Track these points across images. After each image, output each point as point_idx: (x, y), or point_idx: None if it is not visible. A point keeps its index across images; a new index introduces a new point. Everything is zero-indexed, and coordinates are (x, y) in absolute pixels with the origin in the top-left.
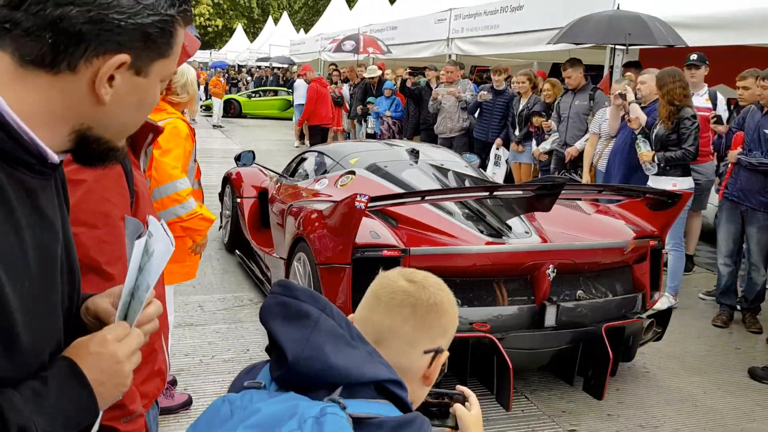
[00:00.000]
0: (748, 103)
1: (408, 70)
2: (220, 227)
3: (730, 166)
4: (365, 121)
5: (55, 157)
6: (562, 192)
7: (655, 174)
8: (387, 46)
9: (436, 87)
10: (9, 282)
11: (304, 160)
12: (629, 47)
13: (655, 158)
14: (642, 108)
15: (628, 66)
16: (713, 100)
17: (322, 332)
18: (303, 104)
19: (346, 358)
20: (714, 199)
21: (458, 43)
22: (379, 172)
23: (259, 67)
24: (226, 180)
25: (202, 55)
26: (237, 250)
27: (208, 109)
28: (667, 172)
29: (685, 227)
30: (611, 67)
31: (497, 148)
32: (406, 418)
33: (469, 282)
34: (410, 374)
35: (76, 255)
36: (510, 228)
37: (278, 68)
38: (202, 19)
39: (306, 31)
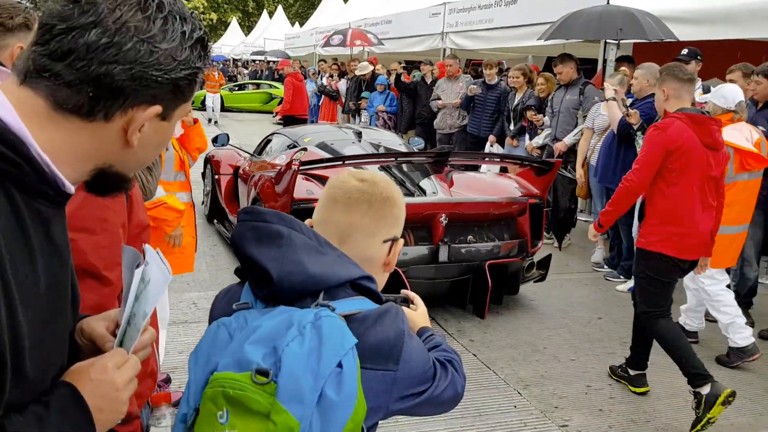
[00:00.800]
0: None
1: (403, 65)
2: (203, 202)
3: None
4: (359, 115)
5: (72, 189)
6: (452, 158)
7: None
8: (378, 38)
9: (432, 81)
10: (22, 309)
11: (269, 141)
12: (622, 42)
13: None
14: (634, 102)
15: (620, 61)
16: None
17: (296, 247)
18: None
19: (321, 266)
20: None
21: (453, 38)
22: (326, 148)
23: (253, 60)
24: (207, 161)
25: None
26: (215, 220)
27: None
28: None
29: None
30: (604, 62)
31: (491, 145)
32: (384, 309)
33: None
34: (373, 263)
35: (75, 276)
36: (422, 189)
37: (273, 62)
38: (196, 12)
39: (301, 24)
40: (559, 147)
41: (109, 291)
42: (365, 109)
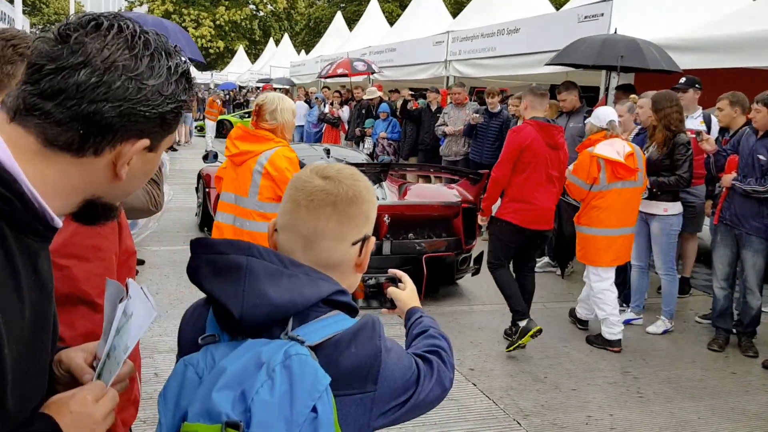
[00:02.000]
0: (723, 124)
1: (411, 92)
2: (196, 213)
3: (724, 190)
4: (363, 141)
5: (60, 223)
6: (395, 168)
7: (646, 198)
8: (371, 66)
9: (437, 109)
10: (7, 343)
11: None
12: (625, 71)
13: (649, 183)
14: (641, 131)
15: (621, 89)
16: (707, 122)
17: (256, 276)
18: (301, 125)
19: (287, 292)
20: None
21: (456, 65)
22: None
23: (258, 87)
24: (199, 176)
25: (203, 77)
26: (205, 228)
27: (201, 129)
28: (658, 196)
29: (681, 250)
30: (606, 89)
31: None
32: (358, 326)
33: None
34: (343, 267)
35: (55, 307)
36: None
37: (279, 89)
38: (203, 41)
39: (307, 52)
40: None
41: (101, 318)
42: (370, 136)
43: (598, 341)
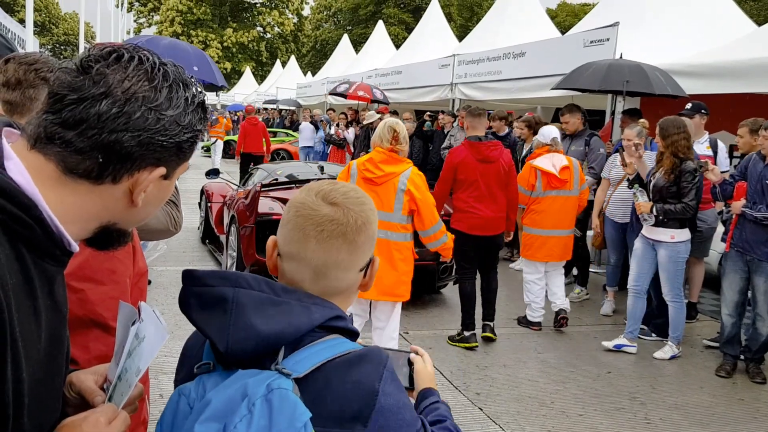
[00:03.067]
0: (743, 151)
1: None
2: (198, 227)
3: (734, 216)
4: None
5: (77, 248)
6: None
7: (653, 225)
8: (384, 94)
9: (447, 131)
10: (26, 365)
11: (251, 174)
12: (631, 95)
13: (654, 209)
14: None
15: (627, 113)
16: (714, 147)
17: (244, 308)
18: (307, 146)
19: (276, 322)
20: (716, 245)
21: (462, 88)
22: (293, 179)
23: (265, 108)
24: (202, 191)
25: (209, 98)
26: (207, 240)
27: (208, 150)
28: (665, 224)
29: (688, 275)
30: (612, 113)
31: None
32: (358, 355)
33: None
34: (348, 291)
35: (68, 330)
36: None
37: (285, 110)
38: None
39: (313, 74)
40: None
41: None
42: None
43: (524, 321)
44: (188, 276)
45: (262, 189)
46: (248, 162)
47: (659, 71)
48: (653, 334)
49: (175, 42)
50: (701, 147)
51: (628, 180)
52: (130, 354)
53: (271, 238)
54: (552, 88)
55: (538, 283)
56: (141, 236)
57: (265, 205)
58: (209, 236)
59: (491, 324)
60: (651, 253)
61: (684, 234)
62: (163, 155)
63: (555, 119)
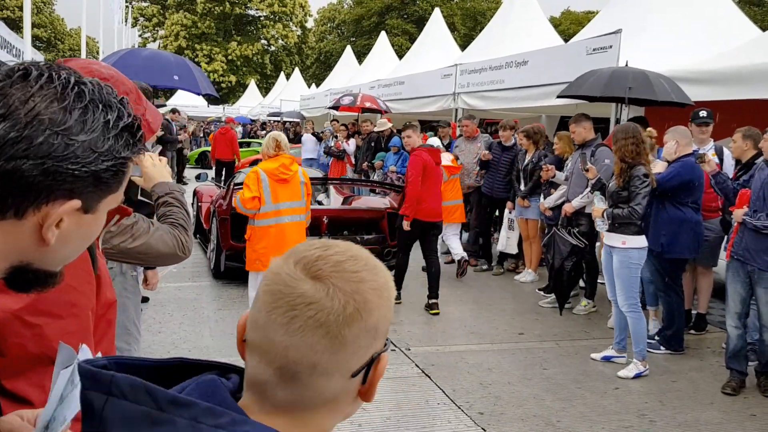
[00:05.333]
0: (736, 156)
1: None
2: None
3: (735, 224)
4: (372, 175)
5: None
6: (333, 181)
7: (607, 230)
8: (386, 104)
9: (448, 143)
10: None
11: (235, 177)
12: (636, 103)
13: (605, 214)
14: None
15: (633, 122)
16: (719, 154)
17: (113, 426)
18: (310, 158)
19: None
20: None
21: (464, 98)
22: None
23: (270, 121)
24: (194, 193)
25: (215, 111)
26: (197, 234)
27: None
28: (617, 229)
29: (696, 284)
30: (617, 121)
31: (509, 212)
32: None
33: None
34: (335, 404)
35: None
36: (320, 201)
37: (289, 123)
38: (215, 75)
39: (317, 85)
40: (566, 209)
41: None
42: (380, 169)
43: (459, 267)
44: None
45: (236, 186)
46: (221, 167)
47: (664, 78)
48: (662, 347)
49: (157, 52)
50: (709, 153)
51: (592, 186)
52: (62, 400)
53: (243, 315)
54: (557, 97)
55: (457, 238)
56: (149, 261)
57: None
58: (199, 231)
59: (436, 301)
60: (610, 260)
61: (637, 241)
62: (75, 186)
63: (561, 127)
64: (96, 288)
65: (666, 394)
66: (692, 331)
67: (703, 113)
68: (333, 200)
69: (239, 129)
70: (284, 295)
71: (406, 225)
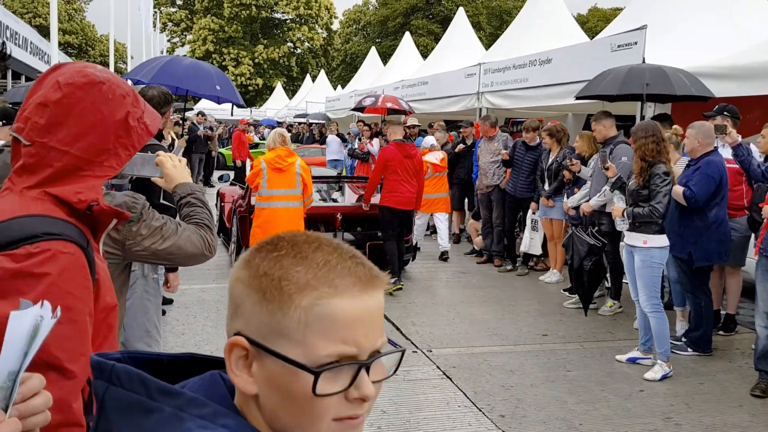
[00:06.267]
0: (763, 151)
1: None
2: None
3: (766, 221)
4: None
5: None
6: (348, 180)
7: (628, 230)
8: (408, 104)
9: (472, 143)
10: None
11: None
12: (661, 100)
13: (625, 213)
14: (690, 163)
15: (657, 119)
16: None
17: (107, 412)
18: (335, 159)
19: None
20: (753, 253)
21: (488, 97)
22: None
23: (296, 123)
24: (218, 194)
25: (242, 113)
26: (220, 233)
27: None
28: (638, 228)
29: (724, 285)
30: (643, 118)
31: (533, 212)
32: None
33: (308, 221)
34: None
35: None
36: (335, 199)
37: (315, 124)
38: (243, 78)
39: (343, 87)
40: (584, 209)
41: (72, 385)
42: None
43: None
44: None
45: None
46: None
47: (683, 72)
48: (689, 349)
49: (197, 63)
50: (728, 151)
51: (612, 184)
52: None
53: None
54: (575, 97)
55: (421, 225)
56: (177, 262)
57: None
58: (222, 230)
59: (399, 279)
60: (632, 260)
61: (659, 240)
62: None
63: (588, 126)
64: (96, 293)
65: (693, 396)
66: (721, 332)
67: (715, 108)
68: (347, 198)
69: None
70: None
71: (365, 206)
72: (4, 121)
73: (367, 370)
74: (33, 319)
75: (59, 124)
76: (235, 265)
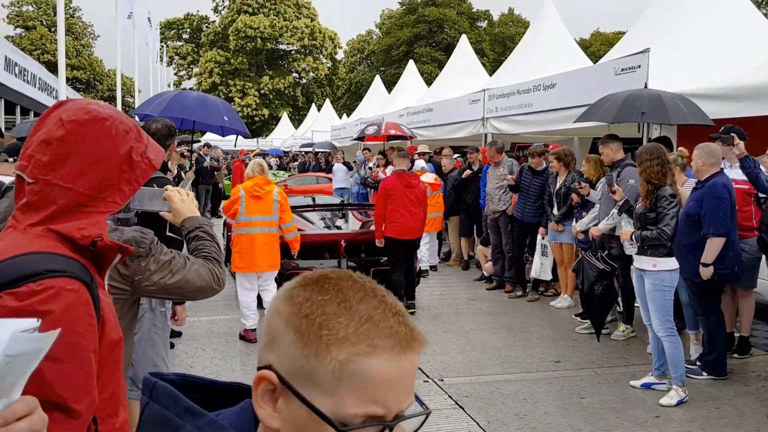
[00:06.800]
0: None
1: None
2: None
3: None
4: None
5: None
6: (351, 207)
7: (637, 253)
8: (411, 131)
9: (479, 169)
10: None
11: None
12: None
13: (633, 237)
14: (697, 185)
15: (658, 141)
16: None
17: (145, 425)
18: (341, 187)
19: None
20: (764, 274)
21: (493, 122)
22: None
23: (302, 153)
24: (224, 223)
25: (248, 144)
26: (227, 263)
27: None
28: (647, 252)
29: (737, 307)
30: (650, 140)
31: (542, 237)
32: None
33: (313, 248)
34: None
35: None
36: (339, 226)
37: (321, 153)
38: (249, 109)
39: (348, 115)
40: (593, 233)
41: (78, 424)
42: None
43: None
44: None
45: None
46: None
47: (681, 99)
48: (704, 373)
49: (204, 96)
50: (738, 172)
51: (620, 208)
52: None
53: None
54: (575, 122)
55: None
56: (186, 296)
57: None
58: (229, 258)
59: (413, 302)
60: (642, 284)
61: (668, 263)
62: None
63: (594, 150)
64: (101, 330)
65: (709, 421)
66: (735, 355)
67: (722, 129)
68: (351, 225)
69: (273, 161)
70: None
71: (378, 243)
72: (15, 158)
73: (390, 430)
74: (8, 331)
75: (62, 161)
76: (277, 295)
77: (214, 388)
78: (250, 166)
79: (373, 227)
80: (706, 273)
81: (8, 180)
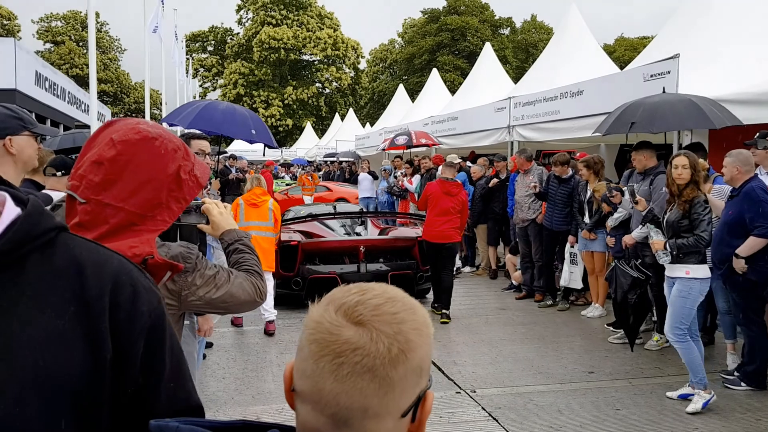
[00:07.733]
0: None
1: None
2: None
3: None
4: None
5: None
6: (370, 215)
7: (670, 262)
8: (437, 139)
9: (506, 177)
10: None
11: (284, 214)
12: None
13: (667, 246)
14: (732, 193)
15: (690, 149)
16: None
17: None
18: (367, 197)
19: None
20: None
21: (519, 130)
22: (309, 215)
23: (326, 162)
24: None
25: (273, 154)
26: None
27: None
28: (681, 259)
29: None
30: (680, 147)
31: (572, 246)
32: None
33: (333, 254)
34: None
35: None
36: (356, 232)
37: (345, 162)
38: (273, 120)
39: (371, 124)
40: (626, 241)
41: None
42: None
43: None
44: None
45: (283, 222)
46: None
47: (711, 102)
48: (743, 383)
49: (233, 106)
50: (766, 178)
51: (643, 218)
52: None
53: (289, 364)
54: (592, 133)
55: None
56: (231, 309)
57: (285, 234)
58: None
59: (447, 312)
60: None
61: (700, 271)
62: None
63: (620, 157)
64: None
65: None
66: None
67: (756, 136)
68: (369, 231)
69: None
70: (329, 343)
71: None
72: (63, 171)
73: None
74: None
75: (114, 181)
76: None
77: (221, 429)
78: (249, 180)
79: (391, 233)
80: (739, 265)
81: (56, 196)
